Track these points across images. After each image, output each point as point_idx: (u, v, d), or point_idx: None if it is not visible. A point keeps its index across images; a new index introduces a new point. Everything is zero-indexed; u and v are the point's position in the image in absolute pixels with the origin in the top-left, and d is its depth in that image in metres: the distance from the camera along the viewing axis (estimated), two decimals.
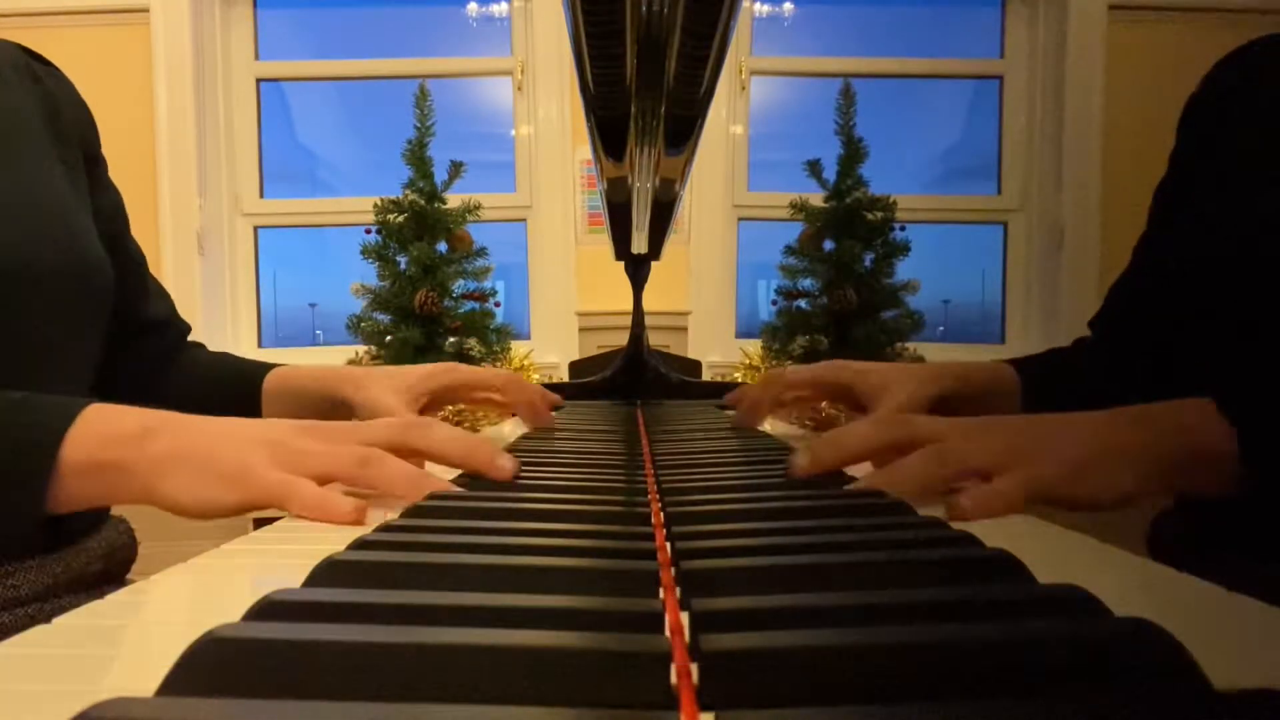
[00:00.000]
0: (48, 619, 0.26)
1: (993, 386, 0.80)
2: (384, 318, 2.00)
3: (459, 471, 0.51)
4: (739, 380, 1.14)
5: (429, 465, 0.52)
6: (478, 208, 2.08)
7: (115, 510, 0.75)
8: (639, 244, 1.03)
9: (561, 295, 2.41)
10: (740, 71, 2.46)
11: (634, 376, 1.13)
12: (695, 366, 1.68)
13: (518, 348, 2.17)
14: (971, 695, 0.19)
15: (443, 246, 2.03)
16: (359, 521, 0.43)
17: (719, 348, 2.40)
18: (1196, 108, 0.80)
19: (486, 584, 0.27)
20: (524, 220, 2.49)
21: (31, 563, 0.61)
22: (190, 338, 0.90)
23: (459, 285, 2.03)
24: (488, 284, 2.09)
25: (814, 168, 2.06)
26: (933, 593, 0.24)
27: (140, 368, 0.81)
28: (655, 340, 1.27)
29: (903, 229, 2.07)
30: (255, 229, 2.50)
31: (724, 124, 2.44)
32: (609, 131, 0.63)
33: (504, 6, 2.49)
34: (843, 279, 1.99)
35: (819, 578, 0.27)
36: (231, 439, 0.47)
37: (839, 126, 2.06)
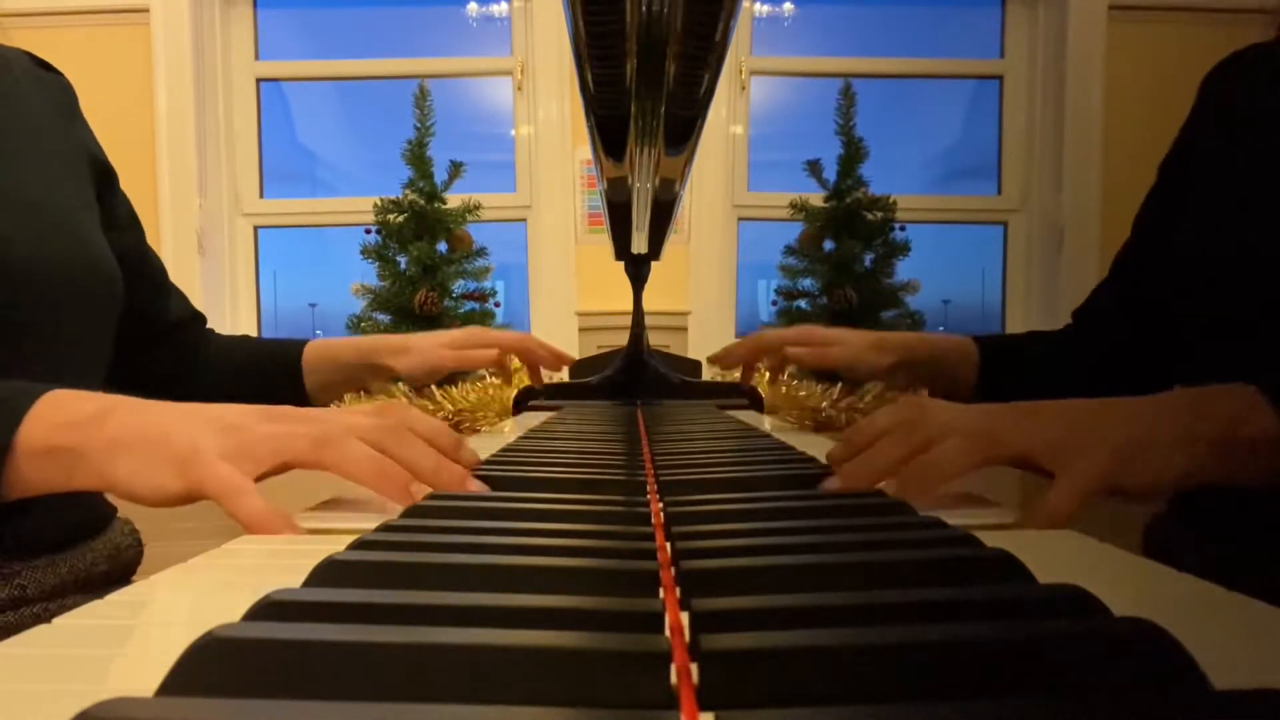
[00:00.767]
0: (54, 619, 0.26)
1: (951, 355, 0.84)
2: (384, 318, 2.00)
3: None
4: (739, 380, 1.14)
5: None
6: (478, 208, 2.08)
7: (121, 512, 0.75)
8: (639, 244, 1.03)
9: (561, 295, 2.41)
10: (740, 71, 2.46)
11: (634, 376, 1.13)
12: (695, 366, 1.68)
13: None
14: (971, 695, 0.19)
15: (443, 246, 2.03)
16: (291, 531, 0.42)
17: (719, 348, 2.40)
18: (1192, 120, 0.81)
19: (486, 584, 0.27)
20: (524, 220, 2.49)
21: (38, 563, 0.62)
22: None
23: (459, 285, 2.03)
24: (488, 284, 2.09)
25: (814, 168, 2.06)
26: (933, 593, 0.24)
27: (169, 367, 0.83)
28: (655, 340, 1.27)
29: (903, 229, 2.07)
30: (255, 229, 2.50)
31: (724, 124, 2.44)
32: (609, 131, 0.63)
33: (504, 6, 2.49)
34: (843, 279, 1.99)
35: (819, 578, 0.27)
36: (185, 422, 0.46)
37: (839, 126, 2.06)
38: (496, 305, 2.10)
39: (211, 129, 2.41)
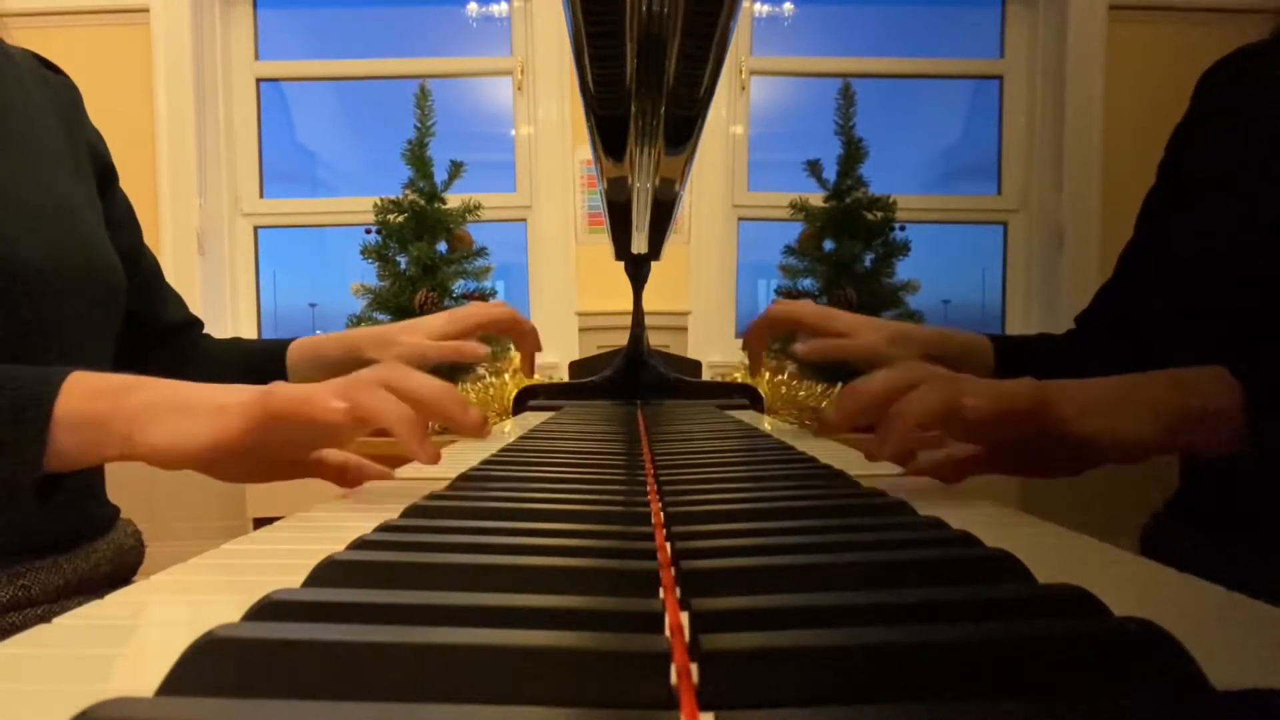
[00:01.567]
0: (54, 619, 0.26)
1: (972, 355, 0.83)
2: (384, 317, 1.99)
3: (452, 475, 0.51)
4: (739, 380, 1.14)
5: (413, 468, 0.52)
6: (478, 208, 2.08)
7: (124, 513, 0.75)
8: (639, 244, 1.03)
9: (561, 295, 2.41)
10: (740, 71, 2.46)
11: (634, 376, 1.13)
12: (695, 366, 1.69)
13: None
14: (971, 695, 0.19)
15: (443, 246, 2.03)
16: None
17: (719, 348, 2.40)
18: (1187, 122, 0.81)
19: (486, 584, 0.27)
20: (524, 220, 2.49)
21: (42, 564, 0.62)
22: None
23: (459, 285, 2.03)
24: (488, 284, 2.09)
25: (814, 168, 2.06)
26: (933, 593, 0.24)
27: (164, 369, 0.83)
28: (655, 340, 1.27)
29: (903, 229, 2.07)
30: (255, 229, 2.50)
31: (724, 124, 2.44)
32: (609, 131, 0.63)
33: (504, 6, 2.49)
34: (843, 279, 1.99)
35: (819, 578, 0.27)
36: (210, 388, 0.50)
37: (839, 126, 2.05)
38: None
39: (211, 129, 2.41)
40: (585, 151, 2.34)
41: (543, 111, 2.43)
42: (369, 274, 2.03)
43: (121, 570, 0.71)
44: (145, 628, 0.28)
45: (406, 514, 0.39)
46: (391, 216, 2.01)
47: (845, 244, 2.00)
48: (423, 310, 1.95)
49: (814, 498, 0.42)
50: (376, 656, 0.19)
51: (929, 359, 0.84)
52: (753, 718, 0.17)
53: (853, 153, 2.05)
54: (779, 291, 2.09)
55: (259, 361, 0.85)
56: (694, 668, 0.20)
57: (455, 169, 2.05)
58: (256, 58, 2.51)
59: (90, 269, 0.67)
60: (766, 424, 0.91)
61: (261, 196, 2.51)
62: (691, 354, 2.32)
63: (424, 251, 1.98)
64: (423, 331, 0.85)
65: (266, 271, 2.51)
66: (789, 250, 2.09)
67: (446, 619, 0.22)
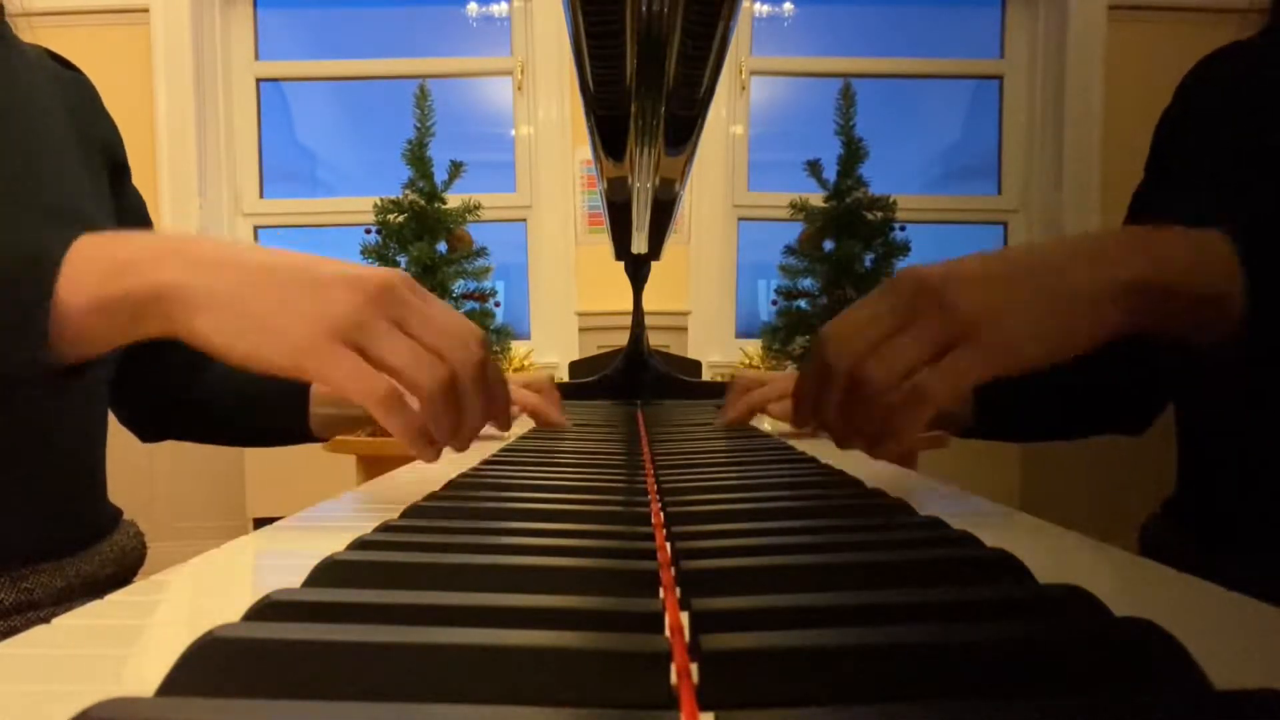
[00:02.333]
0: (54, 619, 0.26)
1: None
2: None
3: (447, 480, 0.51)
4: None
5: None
6: (478, 208, 2.08)
7: (127, 514, 0.75)
8: (639, 244, 1.03)
9: (561, 295, 2.41)
10: (740, 71, 2.46)
11: (634, 376, 1.13)
12: (695, 366, 1.69)
13: (518, 348, 2.17)
14: (971, 695, 0.19)
15: (443, 246, 2.03)
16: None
17: (719, 348, 2.40)
18: (1168, 119, 0.80)
19: (486, 584, 0.27)
20: (524, 220, 2.49)
21: (45, 567, 0.62)
22: None
23: (459, 285, 2.03)
24: (488, 284, 2.09)
25: (814, 168, 2.06)
26: (933, 593, 0.24)
27: (172, 377, 0.81)
28: (655, 340, 1.27)
29: (903, 229, 2.07)
30: (255, 229, 2.50)
31: (724, 124, 2.44)
32: (609, 131, 0.63)
33: (504, 6, 2.49)
34: (843, 279, 1.99)
35: (819, 578, 0.27)
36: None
37: (839, 126, 2.05)
38: (496, 305, 2.09)
39: (211, 129, 2.41)
40: (585, 151, 2.34)
41: (543, 111, 2.43)
42: None
43: (124, 572, 0.71)
44: (145, 628, 0.28)
45: (406, 514, 0.39)
46: (391, 216, 2.01)
47: (845, 244, 2.00)
48: None
49: (814, 498, 0.42)
50: (377, 657, 0.19)
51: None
52: (753, 718, 0.17)
53: (853, 153, 2.05)
54: (779, 291, 2.10)
55: (274, 396, 0.83)
56: (694, 668, 0.20)
57: (455, 169, 2.05)
58: (256, 58, 2.51)
59: None
60: (766, 424, 0.91)
61: (261, 196, 2.51)
62: (691, 354, 2.32)
63: (424, 251, 1.98)
64: None
65: None
66: (789, 250, 2.09)
67: (447, 619, 0.22)
